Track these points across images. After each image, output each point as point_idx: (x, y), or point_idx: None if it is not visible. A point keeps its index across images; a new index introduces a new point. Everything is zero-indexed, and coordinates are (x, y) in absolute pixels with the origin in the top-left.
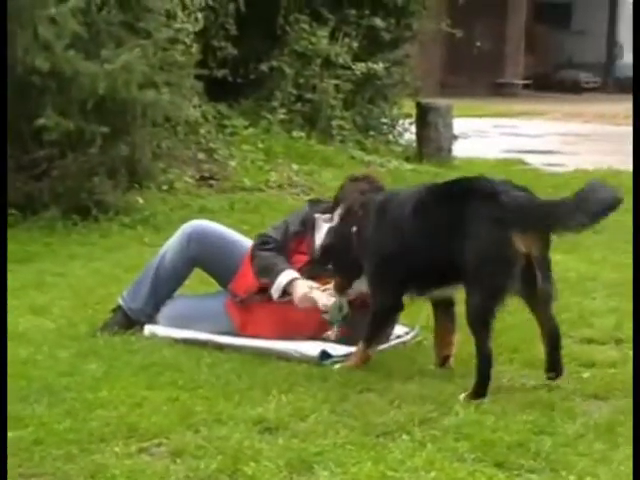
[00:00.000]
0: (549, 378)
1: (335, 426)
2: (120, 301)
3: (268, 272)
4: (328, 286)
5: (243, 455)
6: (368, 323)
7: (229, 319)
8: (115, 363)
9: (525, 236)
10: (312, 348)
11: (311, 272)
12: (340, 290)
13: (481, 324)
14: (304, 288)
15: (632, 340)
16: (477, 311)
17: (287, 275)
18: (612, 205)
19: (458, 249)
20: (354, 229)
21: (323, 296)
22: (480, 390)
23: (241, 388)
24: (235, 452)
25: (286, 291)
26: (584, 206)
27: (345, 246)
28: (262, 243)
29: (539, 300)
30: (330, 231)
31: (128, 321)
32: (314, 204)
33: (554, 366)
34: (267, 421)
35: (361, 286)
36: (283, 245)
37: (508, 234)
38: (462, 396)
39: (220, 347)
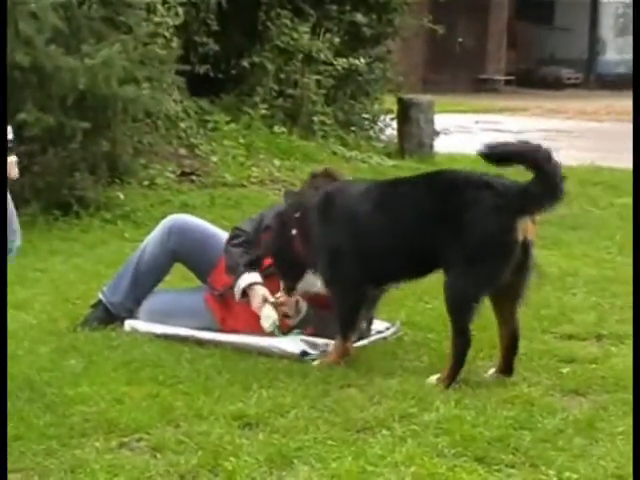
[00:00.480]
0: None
1: (315, 421)
2: (100, 296)
3: (233, 271)
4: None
5: (223, 450)
6: (336, 318)
7: (210, 313)
8: (95, 358)
9: (523, 222)
10: (293, 345)
11: (274, 271)
12: (287, 292)
13: (467, 308)
14: (258, 298)
15: (632, 339)
16: (465, 294)
17: (246, 279)
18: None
19: (443, 238)
20: (294, 231)
21: (267, 312)
22: (454, 374)
23: (221, 384)
24: (215, 447)
25: (246, 293)
26: (547, 184)
27: (284, 249)
28: (233, 237)
29: (515, 293)
30: (270, 235)
31: (108, 316)
32: (290, 196)
33: (510, 369)
34: (247, 416)
35: (306, 286)
36: (255, 239)
37: (510, 221)
38: (433, 378)
39: (201, 343)
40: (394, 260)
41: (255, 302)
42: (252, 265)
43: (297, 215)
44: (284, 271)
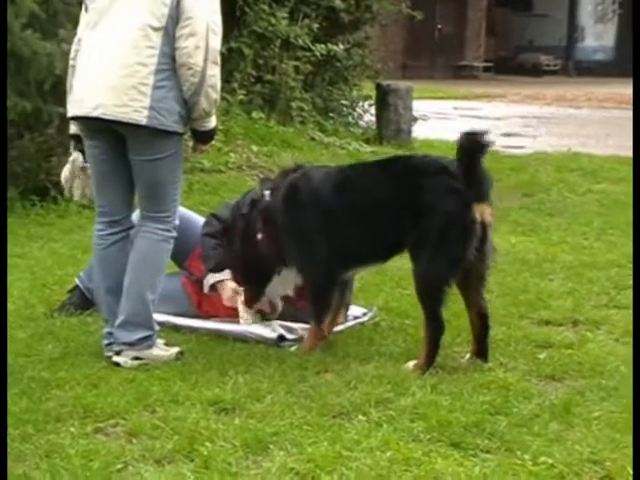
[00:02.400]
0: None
1: (292, 407)
2: (77, 281)
3: (205, 263)
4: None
5: (199, 435)
6: (310, 302)
7: (186, 297)
8: (72, 344)
9: (480, 204)
10: (270, 330)
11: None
12: (250, 304)
13: (438, 293)
14: (228, 292)
15: (632, 337)
16: (434, 280)
17: (215, 277)
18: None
19: (403, 222)
20: (259, 236)
21: (243, 314)
22: (431, 359)
23: (198, 369)
24: (191, 432)
25: (215, 287)
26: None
27: (250, 256)
28: (206, 225)
29: (478, 274)
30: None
31: (85, 301)
32: (265, 182)
33: (484, 351)
34: (223, 402)
35: (276, 290)
36: (231, 225)
37: (467, 203)
38: (410, 364)
39: (177, 328)
40: (358, 244)
41: (225, 295)
42: (221, 265)
43: (261, 209)
44: (251, 278)
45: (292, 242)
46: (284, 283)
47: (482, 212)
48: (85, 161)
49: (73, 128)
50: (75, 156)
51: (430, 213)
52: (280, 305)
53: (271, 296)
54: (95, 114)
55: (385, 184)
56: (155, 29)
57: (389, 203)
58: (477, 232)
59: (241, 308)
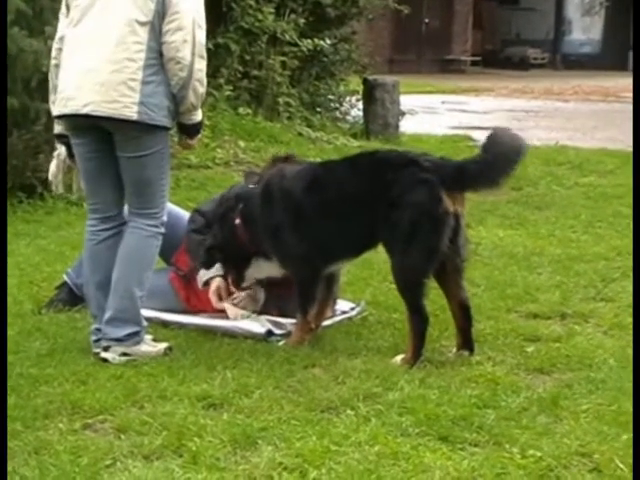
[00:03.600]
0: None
1: (280, 402)
2: (65, 277)
3: (194, 259)
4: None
5: (187, 431)
6: (296, 295)
7: (174, 293)
8: (60, 340)
9: (451, 195)
10: (258, 325)
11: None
12: (236, 285)
13: (417, 285)
14: (214, 296)
15: (632, 333)
16: (412, 272)
17: (208, 273)
18: (517, 160)
19: (375, 216)
20: (237, 221)
21: (231, 307)
22: (418, 353)
23: (185, 364)
24: (179, 428)
25: (208, 283)
26: (492, 165)
27: (228, 242)
28: (191, 221)
29: (454, 266)
30: (212, 229)
31: (73, 297)
32: (250, 176)
33: (469, 343)
34: (211, 397)
35: (254, 273)
36: (215, 220)
37: (437, 193)
38: (398, 358)
39: (165, 324)
40: (334, 239)
41: (212, 298)
42: (208, 261)
43: (240, 206)
44: (230, 263)
45: (272, 240)
46: (261, 268)
47: (454, 202)
48: (70, 155)
49: (58, 128)
50: (59, 150)
51: (399, 206)
52: (262, 295)
53: (249, 280)
54: (84, 111)
55: (354, 180)
56: (142, 24)
57: (358, 198)
58: (450, 223)
59: (227, 306)
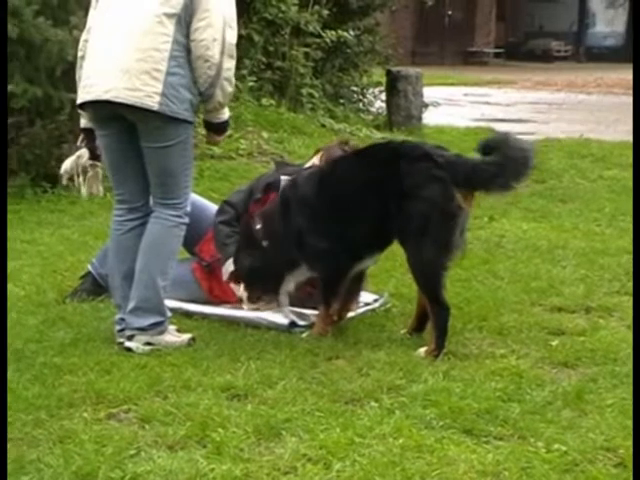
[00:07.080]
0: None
1: (303, 393)
2: (90, 267)
3: (221, 251)
4: None
5: (211, 421)
6: (320, 290)
7: (197, 283)
8: (84, 330)
9: (461, 192)
10: (281, 316)
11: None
12: (253, 302)
13: (436, 278)
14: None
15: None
16: (430, 266)
17: (230, 267)
18: (529, 166)
19: (390, 210)
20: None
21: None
22: (441, 344)
23: (209, 355)
24: (203, 418)
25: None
26: (504, 170)
27: (258, 263)
28: (221, 213)
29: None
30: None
31: (97, 287)
32: (280, 166)
33: (423, 328)
34: (235, 388)
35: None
36: (243, 212)
37: (450, 192)
38: (421, 351)
39: (189, 315)
40: (353, 236)
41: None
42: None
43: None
44: (264, 285)
45: (297, 245)
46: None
47: (463, 198)
48: (92, 157)
49: (83, 121)
50: (82, 152)
51: (414, 199)
52: (286, 300)
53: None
54: (106, 97)
55: (367, 173)
56: (169, 16)
57: (372, 192)
58: (462, 218)
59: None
